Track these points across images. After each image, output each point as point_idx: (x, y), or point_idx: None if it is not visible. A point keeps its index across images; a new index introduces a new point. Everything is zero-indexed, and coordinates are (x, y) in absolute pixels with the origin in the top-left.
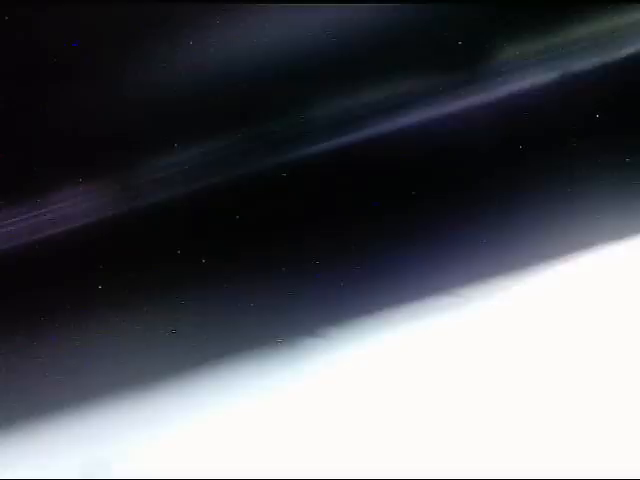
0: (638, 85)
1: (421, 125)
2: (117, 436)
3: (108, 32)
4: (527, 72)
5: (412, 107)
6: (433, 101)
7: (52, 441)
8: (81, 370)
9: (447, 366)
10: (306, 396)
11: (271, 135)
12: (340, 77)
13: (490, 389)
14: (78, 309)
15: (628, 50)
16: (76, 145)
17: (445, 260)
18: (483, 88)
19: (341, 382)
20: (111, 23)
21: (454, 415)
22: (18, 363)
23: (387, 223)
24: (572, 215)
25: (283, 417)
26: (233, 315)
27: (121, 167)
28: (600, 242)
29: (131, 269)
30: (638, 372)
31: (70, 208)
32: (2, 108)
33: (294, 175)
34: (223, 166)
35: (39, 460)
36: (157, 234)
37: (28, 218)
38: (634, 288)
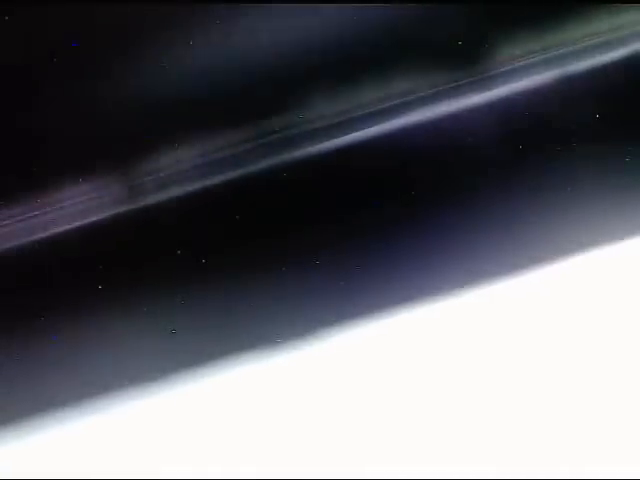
0: (638, 85)
1: (421, 125)
2: (116, 436)
3: (108, 32)
4: (527, 72)
5: (412, 107)
6: (433, 101)
7: (52, 441)
8: (81, 370)
9: (447, 367)
10: (306, 396)
11: (271, 135)
12: (340, 77)
13: (490, 389)
14: (78, 309)
15: (628, 50)
16: (76, 145)
17: (445, 260)
18: (483, 88)
19: (341, 382)
20: (111, 23)
21: (454, 415)
22: (18, 363)
23: (387, 223)
24: (572, 215)
25: (283, 417)
26: (233, 315)
27: (121, 167)
28: (600, 242)
29: (131, 269)
30: (638, 372)
31: (70, 208)
32: (2, 108)
33: (294, 175)
34: (223, 166)
35: (39, 460)
36: (157, 234)
37: (28, 218)
38: (634, 288)
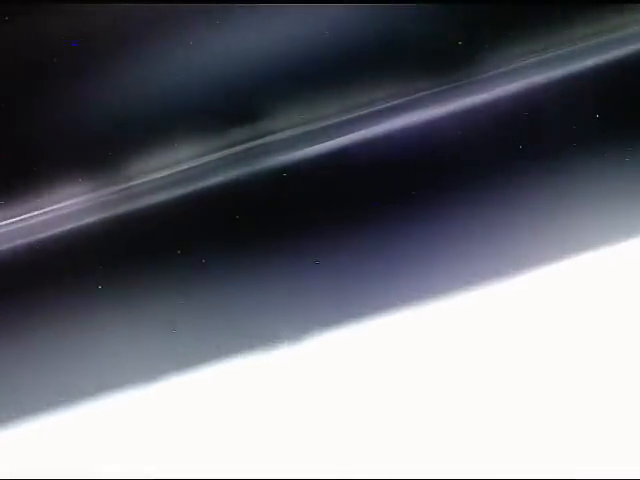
0: (638, 85)
1: (421, 125)
2: (116, 435)
3: (108, 32)
4: (527, 72)
5: (412, 107)
6: (434, 101)
7: (52, 440)
8: (81, 370)
9: (447, 366)
10: (305, 396)
11: (271, 135)
12: (339, 77)
13: (489, 390)
14: (78, 309)
15: (628, 50)
16: (76, 145)
17: (445, 260)
18: (483, 88)
19: (340, 382)
20: (111, 23)
21: (455, 415)
22: (17, 363)
23: (387, 223)
24: (572, 215)
25: (283, 417)
26: (233, 315)
27: (121, 167)
28: (600, 242)
29: (131, 269)
30: (638, 372)
31: (70, 208)
32: (2, 108)
33: (294, 175)
34: (222, 166)
35: (38, 460)
36: (157, 234)
37: (28, 218)
38: (634, 288)
